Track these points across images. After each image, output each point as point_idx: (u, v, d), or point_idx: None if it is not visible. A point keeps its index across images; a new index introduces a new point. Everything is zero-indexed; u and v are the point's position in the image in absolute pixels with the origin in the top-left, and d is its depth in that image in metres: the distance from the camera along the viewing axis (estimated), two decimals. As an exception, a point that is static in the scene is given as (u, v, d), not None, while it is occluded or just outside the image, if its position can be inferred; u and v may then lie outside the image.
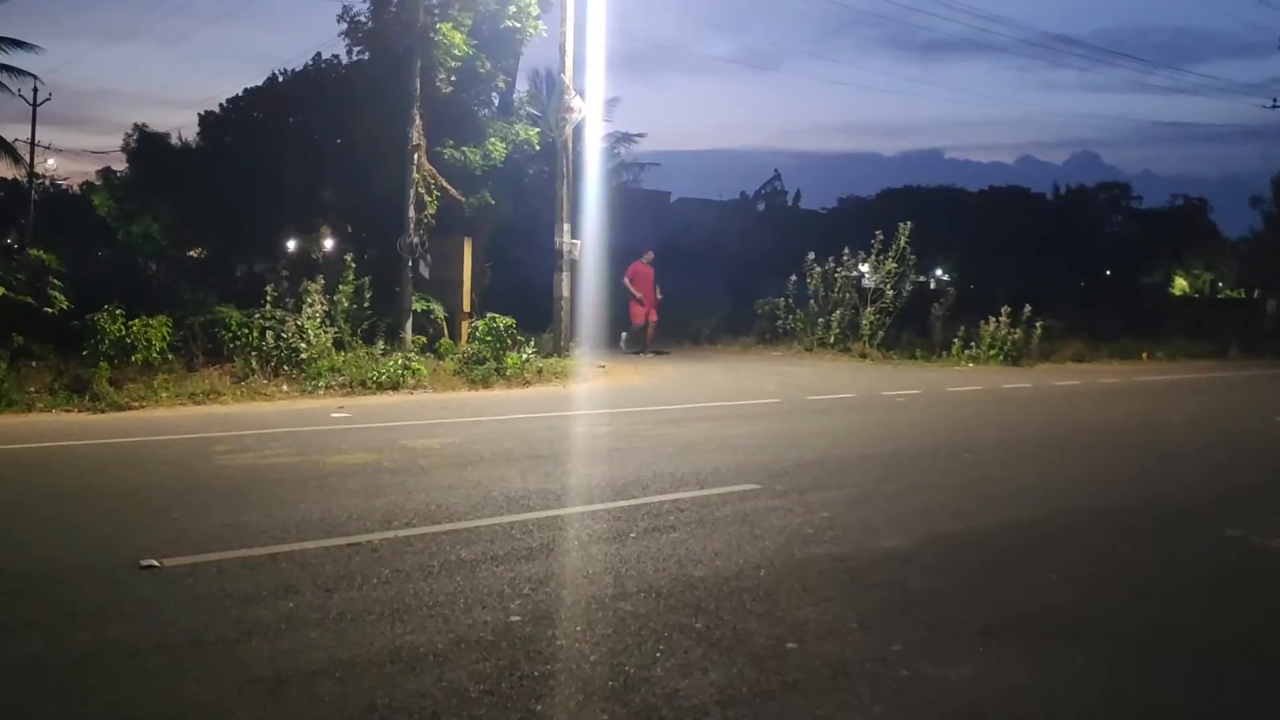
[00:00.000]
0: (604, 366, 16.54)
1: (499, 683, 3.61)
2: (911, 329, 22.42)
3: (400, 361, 13.41)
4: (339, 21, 16.68)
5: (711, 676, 3.70)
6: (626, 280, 19.96)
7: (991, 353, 20.55)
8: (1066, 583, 5.03)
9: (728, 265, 35.17)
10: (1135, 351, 23.96)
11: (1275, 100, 35.49)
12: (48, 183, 45.02)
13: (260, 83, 21.04)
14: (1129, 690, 3.71)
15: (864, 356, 21.08)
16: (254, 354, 12.72)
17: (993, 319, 20.77)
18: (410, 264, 15.45)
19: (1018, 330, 20.68)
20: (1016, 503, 6.96)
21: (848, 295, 22.19)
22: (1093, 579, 5.15)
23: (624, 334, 20.14)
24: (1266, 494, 7.61)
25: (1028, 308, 20.66)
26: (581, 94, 17.24)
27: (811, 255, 22.51)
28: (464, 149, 16.60)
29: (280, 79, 20.43)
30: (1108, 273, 49.36)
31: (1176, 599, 4.87)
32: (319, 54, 19.58)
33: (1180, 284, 53.61)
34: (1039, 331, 21.09)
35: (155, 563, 4.95)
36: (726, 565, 5.13)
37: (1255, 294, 39.21)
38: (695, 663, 3.83)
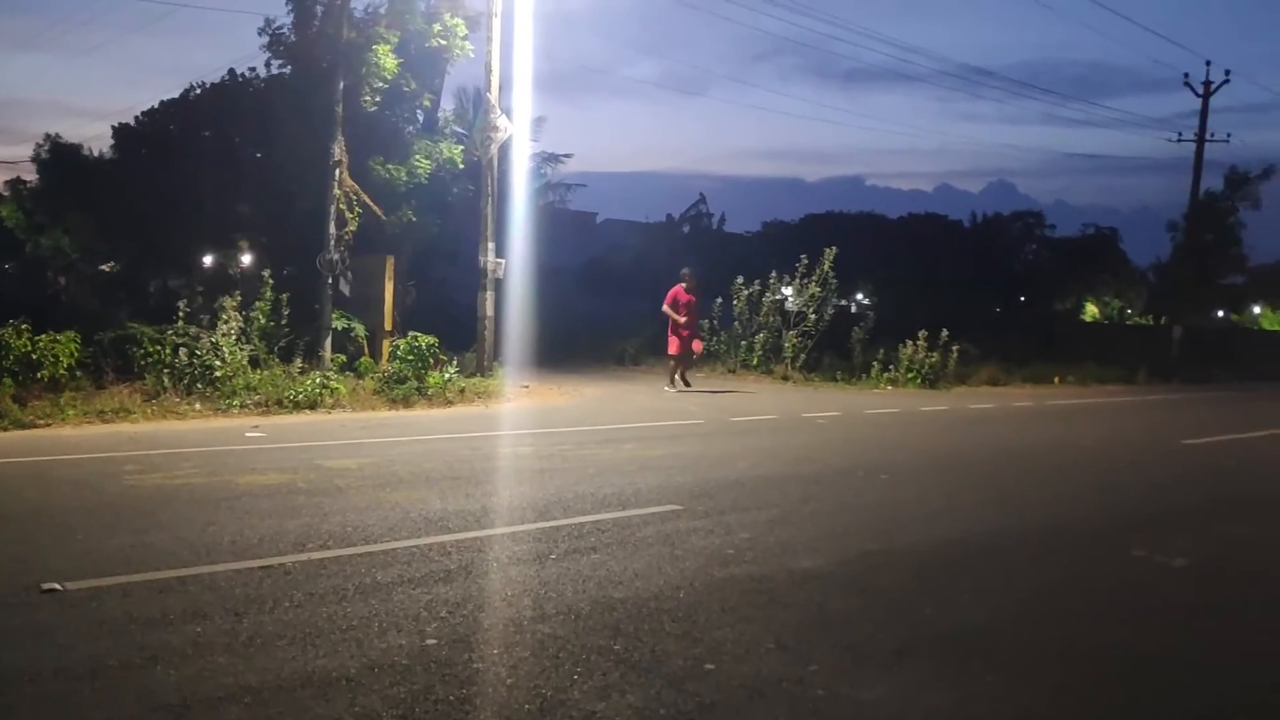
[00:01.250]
0: (528, 386, 16.45)
1: (413, 707, 3.55)
2: (833, 352, 22.74)
3: (318, 380, 13.17)
4: (260, 35, 16.43)
5: (629, 699, 3.68)
6: (666, 307, 18.01)
7: (909, 376, 20.93)
8: (979, 603, 5.13)
9: (652, 287, 35.29)
10: (1048, 376, 24.59)
11: (1180, 134, 36.79)
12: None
13: (176, 95, 20.66)
14: (1040, 709, 3.79)
15: (786, 379, 21.31)
16: (166, 371, 12.37)
17: (911, 343, 21.17)
18: (330, 281, 15.21)
19: (935, 354, 21.12)
20: (932, 524, 7.08)
21: (771, 318, 22.44)
22: (1005, 599, 5.25)
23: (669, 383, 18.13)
24: (1171, 516, 7.85)
25: (945, 332, 21.12)
26: (508, 113, 17.21)
27: (740, 279, 22.76)
28: (388, 166, 16.43)
29: (197, 91, 20.06)
30: (1022, 299, 50.73)
31: (1085, 618, 4.98)
32: (233, 69, 19.29)
33: (1091, 310, 55.30)
34: (955, 355, 21.55)
35: (58, 586, 4.78)
36: (646, 586, 5.12)
37: (1162, 321, 40.59)
38: (613, 685, 3.81)
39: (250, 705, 3.53)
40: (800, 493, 7.92)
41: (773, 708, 3.66)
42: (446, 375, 14.50)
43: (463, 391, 14.50)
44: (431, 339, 14.37)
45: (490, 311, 16.96)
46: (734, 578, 5.36)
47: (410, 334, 14.56)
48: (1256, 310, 59.89)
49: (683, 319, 17.76)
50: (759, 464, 9.49)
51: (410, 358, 14.13)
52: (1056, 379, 24.58)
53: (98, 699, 3.56)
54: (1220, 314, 54.30)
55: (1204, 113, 35.65)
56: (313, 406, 12.62)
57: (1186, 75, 36.12)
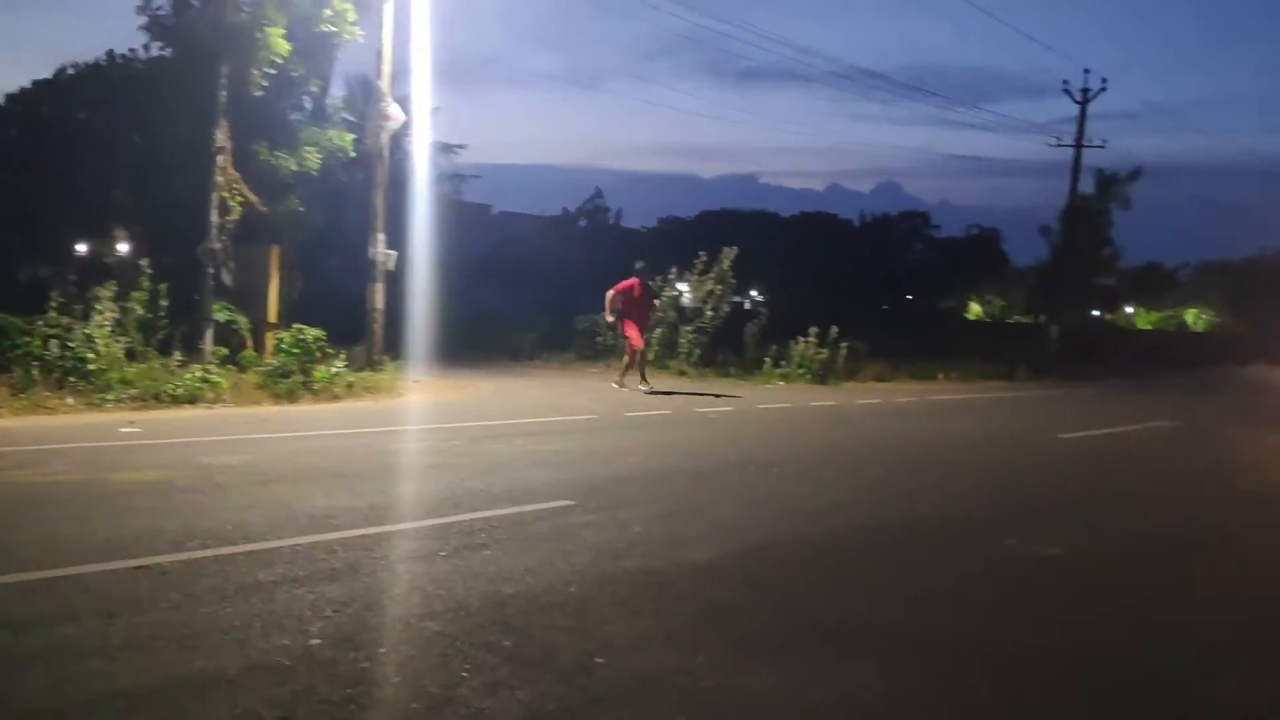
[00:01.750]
0: (419, 381, 16.20)
1: (296, 708, 3.46)
2: (727, 348, 23.01)
3: (198, 374, 12.73)
4: (138, 15, 15.79)
5: (519, 694, 3.66)
6: (612, 293, 16.88)
7: (800, 371, 21.32)
8: (862, 593, 5.25)
9: (549, 281, 35.24)
10: (932, 372, 25.32)
11: (1059, 139, 38.29)
12: None
13: (49, 75, 19.74)
14: (919, 694, 3.89)
15: (681, 374, 21.46)
16: (36, 364, 11.80)
17: (802, 339, 21.56)
18: (212, 271, 14.72)
19: (825, 351, 21.56)
20: (819, 516, 7.21)
21: (668, 314, 22.59)
22: (886, 589, 5.39)
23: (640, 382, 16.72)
24: (1044, 506, 8.15)
25: (834, 329, 21.58)
26: (402, 102, 16.92)
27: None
28: (275, 154, 15.98)
29: (71, 72, 19.20)
30: (909, 297, 52.17)
31: (962, 606, 5.15)
32: (111, 50, 18.50)
33: (974, 309, 57.26)
34: (844, 352, 22.03)
35: (-90, 591, 4.52)
36: (538, 582, 5.10)
37: (1041, 319, 42.16)
38: (502, 681, 3.78)
39: (125, 709, 3.40)
40: (692, 487, 7.99)
41: (662, 700, 3.68)
42: (334, 369, 14.18)
43: (351, 386, 14.20)
44: (318, 332, 14.03)
45: (380, 304, 16.67)
46: (625, 571, 5.38)
47: (296, 326, 14.20)
48: (1129, 310, 62.77)
49: (611, 318, 16.92)
50: (652, 458, 9.54)
51: (296, 351, 13.77)
52: (940, 375, 25.31)
53: (-44, 708, 3.38)
54: (1095, 313, 56.77)
55: (1081, 119, 37.18)
56: (192, 401, 12.20)
57: (1066, 82, 37.62)
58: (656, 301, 17.29)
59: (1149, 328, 59.97)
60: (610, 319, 16.99)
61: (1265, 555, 6.87)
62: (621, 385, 16.69)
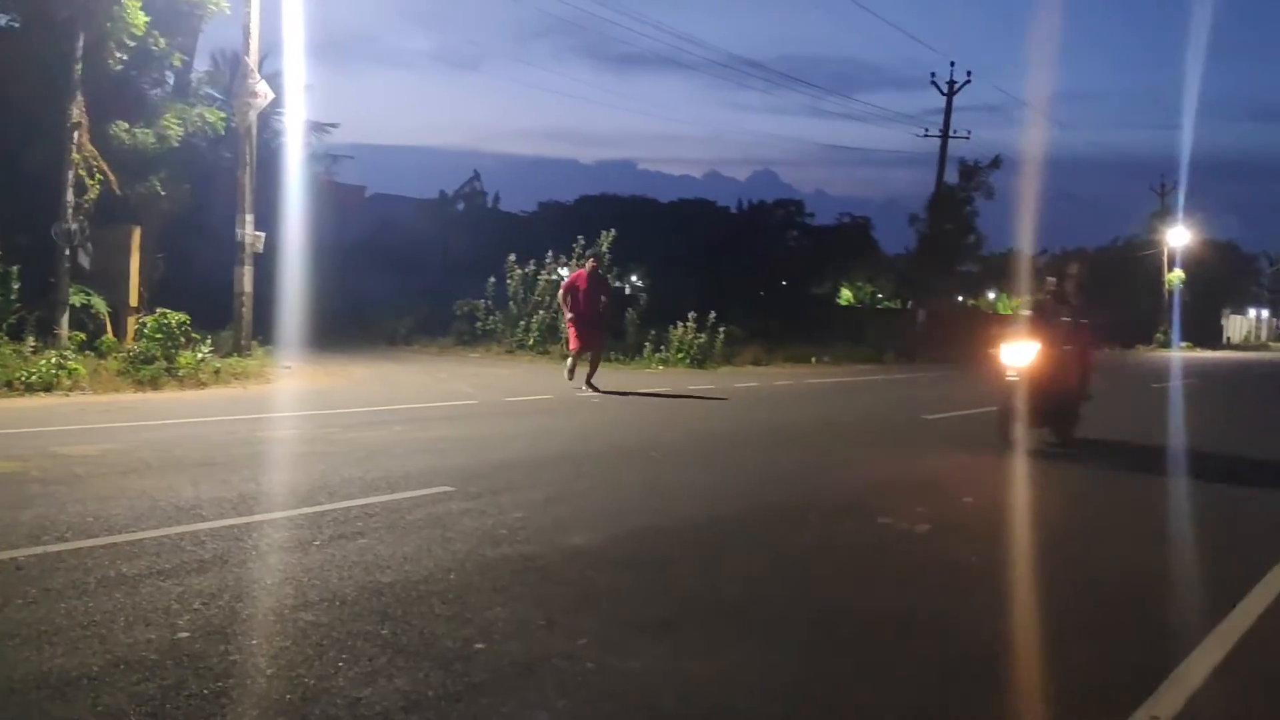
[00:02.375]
0: (290, 367, 15.79)
1: (164, 704, 3.35)
2: (608, 333, 23.07)
3: (54, 360, 12.14)
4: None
5: (397, 683, 3.62)
6: (562, 293, 15.75)
7: (679, 356, 21.56)
8: (740, 573, 5.35)
9: (426, 265, 34.66)
10: (806, 356, 25.92)
11: (927, 130, 39.56)
12: None
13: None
14: (795, 670, 4.00)
15: (564, 358, 21.45)
16: None
17: (681, 324, 21.80)
18: (67, 253, 14.04)
19: (703, 335, 21.84)
20: (698, 499, 7.33)
21: (548, 298, 22.52)
22: (764, 568, 5.51)
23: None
24: (914, 484, 8.45)
25: (712, 314, 21.88)
26: (271, 79, 16.42)
27: (513, 257, 22.68)
28: (135, 130, 15.29)
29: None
30: (784, 283, 53.14)
31: (836, 582, 5.31)
32: None
33: (846, 295, 58.68)
34: (722, 337, 22.36)
35: None
36: (416, 569, 5.04)
37: (909, 305, 43.54)
38: (380, 670, 3.74)
39: (-25, 713, 3.23)
40: (573, 472, 8.01)
41: (542, 683, 3.70)
42: (200, 355, 13.72)
43: (218, 373, 13.75)
44: (182, 316, 13.54)
45: (249, 288, 16.18)
46: (506, 557, 5.36)
47: (159, 311, 13.65)
48: (992, 295, 65.31)
49: (569, 313, 15.27)
50: (533, 444, 9.52)
51: (159, 336, 13.26)
52: (814, 359, 25.93)
53: None
54: (960, 299, 58.87)
55: (948, 110, 38.49)
56: (48, 389, 11.64)
57: (933, 75, 38.91)
58: (604, 298, 15.33)
59: (1010, 313, 62.49)
60: (569, 316, 15.29)
61: (1109, 533, 7.26)
62: (582, 388, 14.81)
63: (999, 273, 62.71)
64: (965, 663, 4.19)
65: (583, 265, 15.99)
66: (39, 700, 3.34)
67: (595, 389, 14.65)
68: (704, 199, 57.44)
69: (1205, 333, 61.34)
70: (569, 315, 15.23)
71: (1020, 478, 9.19)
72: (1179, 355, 45.87)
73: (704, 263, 42.45)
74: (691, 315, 21.79)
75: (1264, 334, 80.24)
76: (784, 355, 25.24)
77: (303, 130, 24.61)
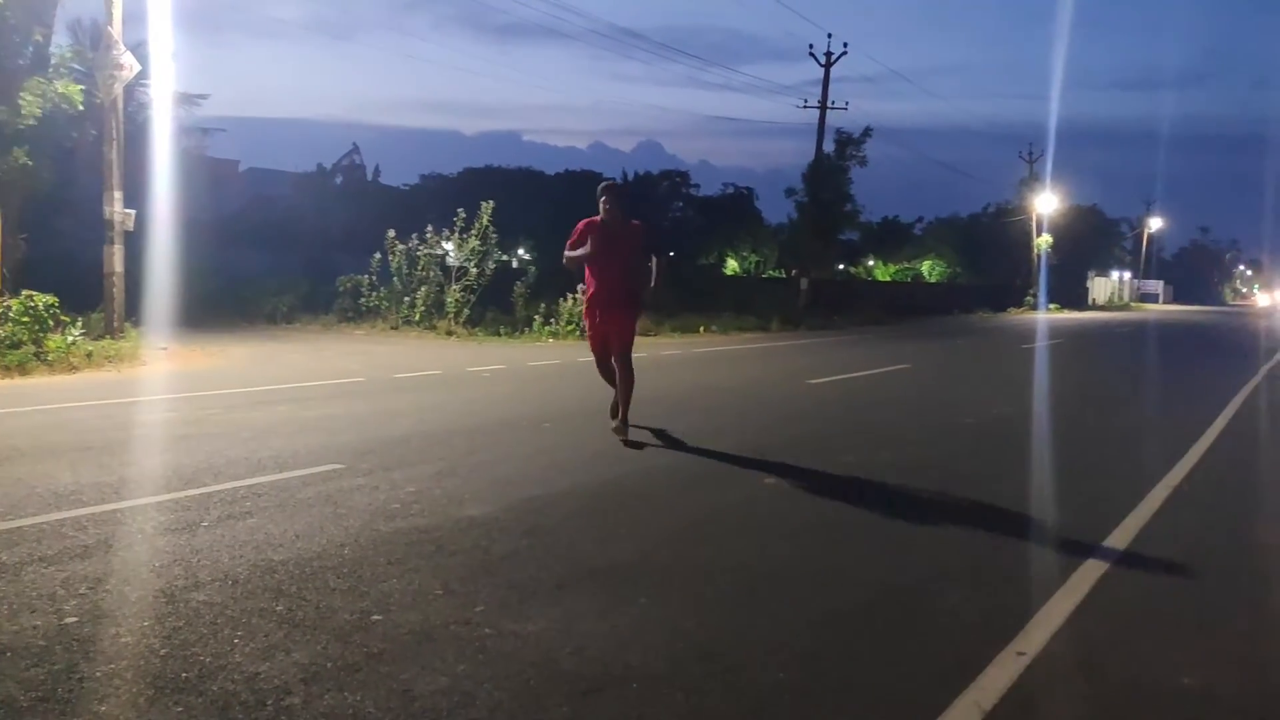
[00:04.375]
0: (166, 348, 15.31)
1: (55, 688, 3.31)
2: (496, 307, 22.98)
3: (-89, 347, 11.55)
4: None
5: (294, 656, 3.65)
6: (568, 253, 8.77)
7: (569, 328, 21.61)
8: (632, 537, 5.49)
9: (305, 241, 33.83)
10: (694, 326, 26.26)
11: (806, 101, 40.26)
12: None
13: None
14: (684, 625, 4.15)
15: (450, 334, 21.30)
16: None
17: (570, 296, 21.84)
18: (-78, 234, 13.30)
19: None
20: (590, 468, 7.44)
21: (432, 273, 22.29)
22: (654, 531, 5.67)
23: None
24: (796, 447, 8.72)
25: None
26: (136, 49, 15.76)
27: (393, 232, 22.35)
28: (-9, 105, 14.53)
29: None
30: (670, 254, 53.54)
31: (725, 543, 5.49)
32: None
33: (732, 265, 59.45)
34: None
35: None
36: (309, 546, 5.04)
37: (792, 274, 44.40)
38: (277, 645, 3.75)
39: None
40: (466, 445, 8.04)
41: (440, 649, 3.77)
42: (70, 338, 13.22)
43: (90, 356, 13.27)
44: (50, 298, 13.01)
45: (119, 267, 15.60)
46: (400, 531, 5.39)
47: (25, 293, 13.08)
48: (871, 263, 67.08)
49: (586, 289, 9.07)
50: (423, 420, 9.49)
51: (25, 320, 12.72)
52: (701, 329, 26.28)
53: None
54: (841, 267, 60.29)
55: (826, 81, 39.22)
56: (-95, 377, 11.07)
57: (811, 46, 39.64)
58: (654, 258, 8.80)
59: (888, 279, 64.27)
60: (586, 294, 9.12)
61: (977, 478, 7.65)
62: (617, 425, 8.82)
63: (878, 241, 64.61)
64: (843, 609, 4.42)
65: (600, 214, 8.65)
66: (-80, 693, 3.27)
67: (623, 429, 8.69)
68: (590, 170, 57.42)
69: (1072, 295, 64.17)
70: (586, 292, 9.08)
71: (900, 435, 9.56)
72: (1047, 317, 47.92)
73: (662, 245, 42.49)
74: (580, 287, 21.86)
75: (1126, 295, 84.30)
76: (672, 326, 25.52)
77: (171, 103, 23.73)
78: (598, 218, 8.69)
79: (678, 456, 8.05)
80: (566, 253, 8.80)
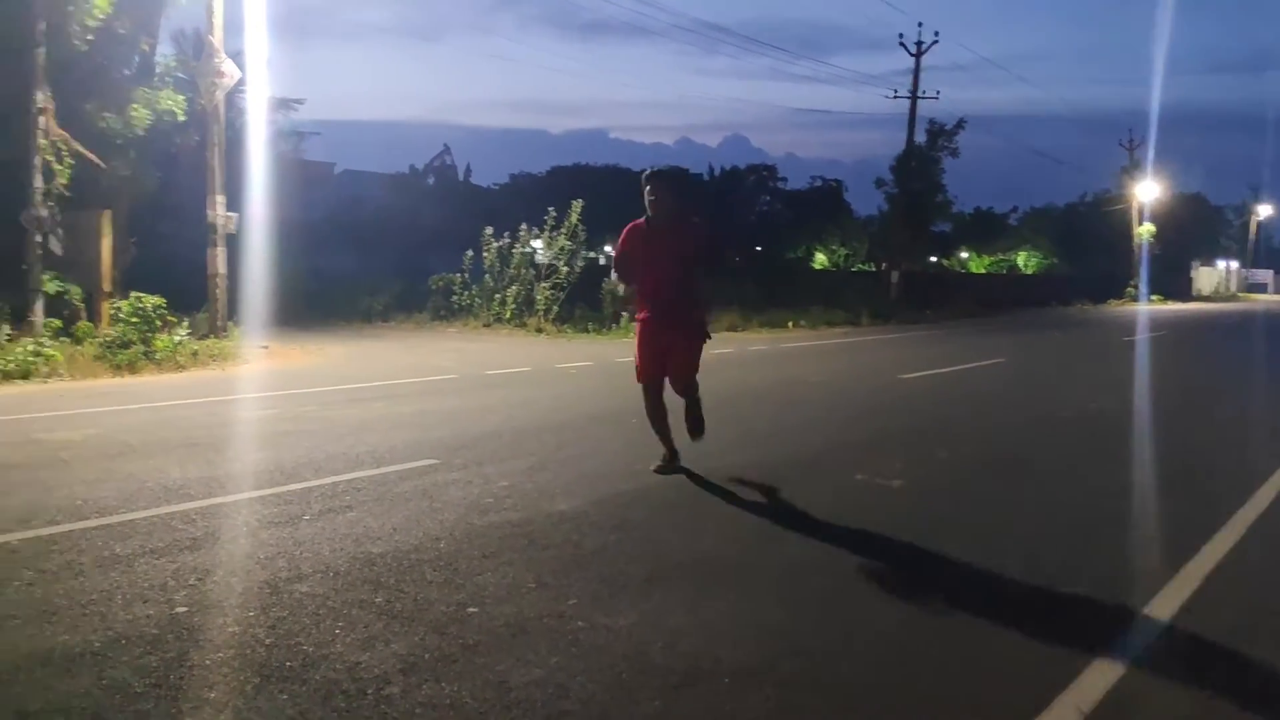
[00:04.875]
0: (267, 347, 15.78)
1: (167, 675, 3.45)
2: (584, 304, 23.14)
3: (30, 348, 12.12)
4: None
5: (393, 647, 3.74)
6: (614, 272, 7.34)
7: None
8: (719, 532, 5.49)
9: (397, 241, 34.47)
10: (782, 321, 26.08)
11: (896, 91, 39.67)
12: None
13: None
14: (774, 620, 4.14)
15: (539, 331, 21.52)
16: None
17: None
18: (39, 239, 13.95)
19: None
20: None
21: (523, 271, 22.55)
22: (742, 526, 5.66)
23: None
24: (889, 442, 8.61)
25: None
26: (235, 57, 16.27)
27: (489, 230, 22.68)
28: (104, 115, 15.15)
29: None
30: (758, 248, 53.28)
31: (812, 537, 5.45)
32: None
33: (820, 259, 58.80)
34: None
35: None
36: (406, 539, 5.15)
37: (882, 267, 43.76)
38: (377, 635, 3.85)
39: (-18, 690, 3.32)
40: (555, 441, 8.12)
41: (534, 641, 3.82)
42: (177, 338, 13.71)
43: (195, 355, 13.76)
44: (158, 299, 13.52)
45: (222, 269, 16.12)
46: (493, 525, 5.48)
47: (134, 295, 13.62)
48: (965, 255, 65.69)
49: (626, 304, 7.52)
50: (514, 415, 9.61)
51: (135, 320, 13.24)
52: (790, 324, 26.09)
53: None
54: (933, 259, 59.19)
55: (916, 71, 38.59)
56: (25, 376, 11.63)
57: (901, 36, 38.97)
58: (711, 252, 7.18)
59: (983, 271, 62.89)
60: (625, 300, 7.69)
61: (1075, 475, 7.45)
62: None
63: (971, 232, 63.25)
64: (935, 607, 4.35)
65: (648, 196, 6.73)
66: (44, 677, 3.43)
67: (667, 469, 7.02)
68: (677, 166, 57.35)
69: (1175, 286, 61.96)
70: (637, 312, 7.15)
71: (995, 431, 9.37)
72: (1149, 309, 46.41)
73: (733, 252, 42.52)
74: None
75: (1233, 285, 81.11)
76: (760, 321, 25.39)
77: (268, 108, 24.43)
78: (640, 222, 6.80)
79: (764, 451, 8.02)
80: (613, 272, 7.19)
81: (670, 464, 7.03)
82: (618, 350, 17.57)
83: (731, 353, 18.06)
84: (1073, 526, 5.84)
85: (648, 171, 6.75)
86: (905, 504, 6.34)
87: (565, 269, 22.45)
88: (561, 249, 22.49)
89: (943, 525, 5.83)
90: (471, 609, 4.16)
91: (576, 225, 22.48)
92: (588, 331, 21.61)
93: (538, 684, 3.45)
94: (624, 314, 6.63)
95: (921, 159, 40.68)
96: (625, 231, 6.92)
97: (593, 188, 37.52)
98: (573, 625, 4.00)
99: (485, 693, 3.38)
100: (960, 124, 41.15)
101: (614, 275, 7.18)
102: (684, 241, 6.69)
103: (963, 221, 58.42)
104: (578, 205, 22.44)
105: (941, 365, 16.12)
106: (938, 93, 40.62)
